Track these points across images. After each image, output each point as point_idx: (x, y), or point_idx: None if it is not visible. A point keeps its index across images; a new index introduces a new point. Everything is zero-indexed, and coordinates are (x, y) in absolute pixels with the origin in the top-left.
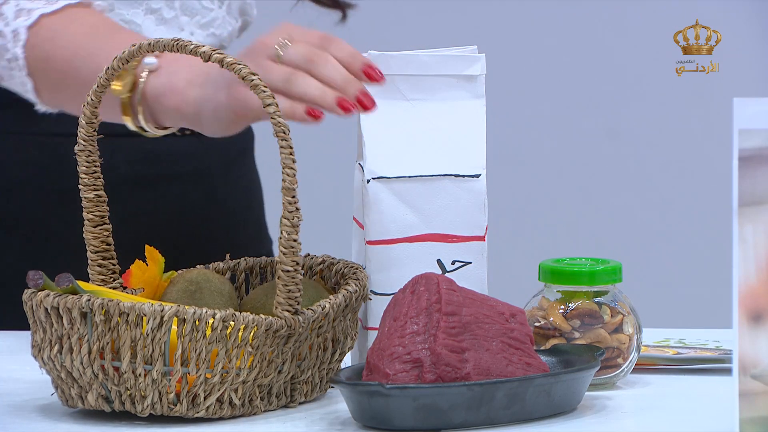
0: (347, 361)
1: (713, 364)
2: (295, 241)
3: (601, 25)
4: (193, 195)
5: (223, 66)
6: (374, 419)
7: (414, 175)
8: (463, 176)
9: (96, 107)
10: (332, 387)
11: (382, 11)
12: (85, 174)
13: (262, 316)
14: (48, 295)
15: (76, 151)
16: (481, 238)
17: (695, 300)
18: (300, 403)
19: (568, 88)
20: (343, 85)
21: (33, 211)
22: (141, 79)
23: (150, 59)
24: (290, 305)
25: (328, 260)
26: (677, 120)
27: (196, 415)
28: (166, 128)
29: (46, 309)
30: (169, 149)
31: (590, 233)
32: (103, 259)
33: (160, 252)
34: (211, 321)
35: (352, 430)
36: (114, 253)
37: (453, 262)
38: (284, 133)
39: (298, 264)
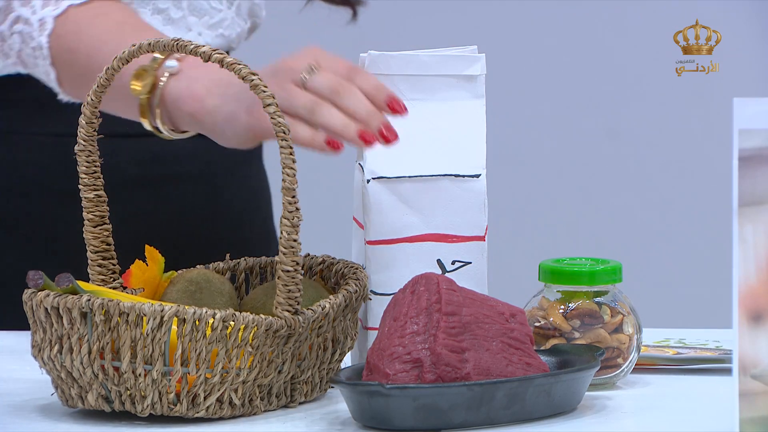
0: (347, 361)
1: (713, 364)
2: (295, 241)
3: (601, 25)
4: (199, 196)
5: (222, 66)
6: (374, 419)
7: (414, 175)
8: (463, 176)
9: (96, 107)
10: (332, 387)
11: (382, 11)
12: (85, 174)
13: (262, 316)
14: (48, 295)
15: (76, 151)
16: (481, 238)
17: (695, 300)
18: (300, 403)
19: (568, 88)
20: (366, 117)
21: (33, 211)
22: (161, 82)
23: (171, 62)
24: (290, 305)
25: (328, 260)
26: (677, 120)
27: (196, 415)
28: (182, 132)
29: (46, 309)
30: (175, 150)
31: (590, 233)
32: (103, 259)
33: (166, 252)
34: (211, 321)
35: (352, 430)
36: (114, 253)
37: (453, 262)
38: (284, 133)
39: (298, 264)
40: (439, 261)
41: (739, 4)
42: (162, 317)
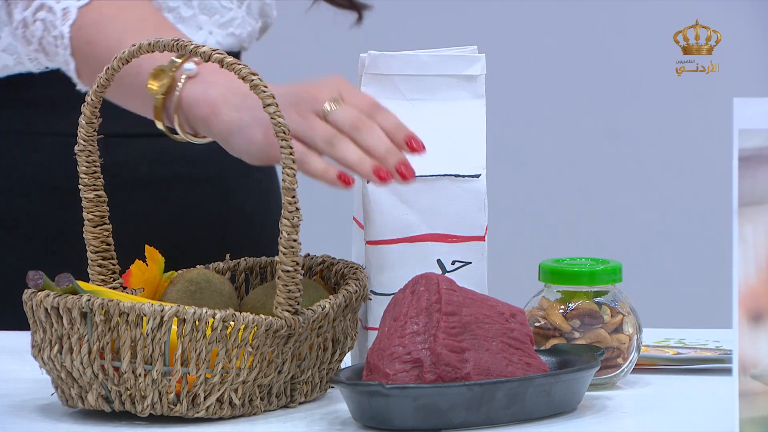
0: (347, 361)
1: (713, 364)
2: (295, 241)
3: (601, 25)
4: (211, 197)
5: (222, 66)
6: (374, 419)
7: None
8: (463, 176)
9: (96, 107)
10: (332, 387)
11: (383, 12)
12: (85, 174)
13: (262, 316)
14: (48, 295)
15: (76, 151)
16: (481, 238)
17: (695, 300)
18: (300, 403)
19: (568, 88)
20: (384, 153)
21: (33, 211)
22: (179, 84)
23: (190, 65)
24: (290, 305)
25: (328, 260)
26: (677, 120)
27: (196, 415)
28: (201, 137)
29: (46, 309)
30: (187, 152)
31: (590, 233)
32: (103, 259)
33: (177, 253)
34: (211, 321)
35: (352, 430)
36: (114, 253)
37: (453, 262)
38: (284, 133)
39: (298, 264)
40: (439, 261)
41: (739, 4)
42: (162, 317)
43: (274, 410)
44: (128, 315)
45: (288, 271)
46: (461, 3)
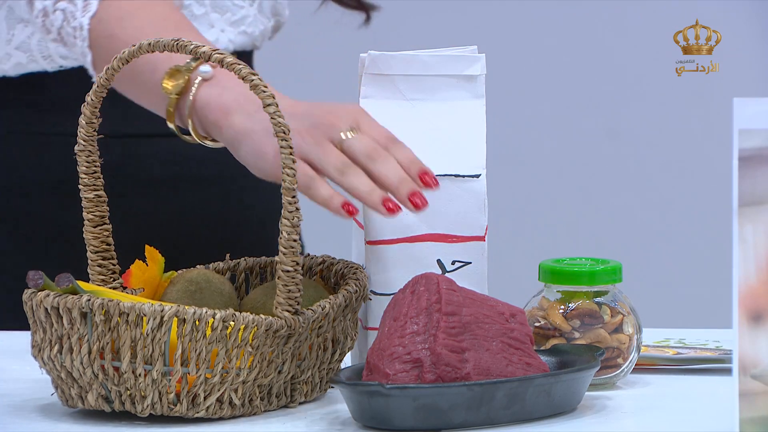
0: (347, 361)
1: (713, 364)
2: (295, 241)
3: (601, 25)
4: (220, 197)
5: (222, 66)
6: (374, 419)
7: None
8: (463, 176)
9: (96, 107)
10: (332, 387)
11: (383, 11)
12: (85, 174)
13: (262, 316)
14: (48, 295)
15: (76, 151)
16: (481, 238)
17: (695, 300)
18: (300, 403)
19: (568, 88)
20: (397, 183)
21: (33, 211)
22: (193, 86)
23: (206, 67)
24: (290, 305)
25: (328, 260)
26: (677, 120)
27: (196, 415)
28: (211, 140)
29: (46, 309)
30: (199, 152)
31: (590, 233)
32: (103, 259)
33: (184, 253)
34: (211, 321)
35: (352, 430)
36: (114, 253)
37: (453, 262)
38: (284, 133)
39: (298, 264)
40: (439, 261)
41: (739, 4)
42: (162, 317)
43: (274, 410)
44: (128, 315)
45: (288, 271)
46: (461, 3)
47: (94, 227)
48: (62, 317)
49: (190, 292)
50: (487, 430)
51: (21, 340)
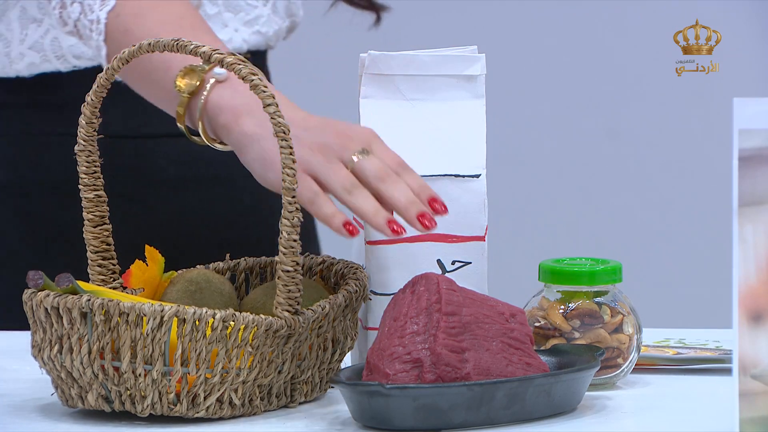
0: (347, 361)
1: (713, 364)
2: (295, 241)
3: (601, 25)
4: (222, 198)
5: (223, 66)
6: (374, 419)
7: None
8: (463, 176)
9: (96, 107)
10: (332, 387)
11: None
12: (85, 174)
13: (262, 316)
14: (48, 295)
15: (76, 151)
16: (481, 238)
17: (695, 300)
18: (300, 403)
19: (568, 88)
20: (406, 204)
21: (33, 211)
22: (206, 87)
23: (220, 70)
24: (290, 305)
25: (328, 260)
26: (677, 120)
27: (196, 415)
28: (219, 143)
29: (46, 309)
30: (209, 152)
31: (590, 233)
32: (103, 259)
33: (189, 253)
34: (211, 321)
35: (352, 430)
36: (114, 253)
37: (453, 262)
38: (284, 133)
39: (298, 264)
40: (439, 261)
41: (739, 4)
42: (162, 317)
43: (274, 410)
44: (128, 315)
45: (288, 271)
46: (461, 3)
47: (94, 227)
48: (62, 317)
49: (190, 292)
50: (487, 430)
51: (21, 340)
